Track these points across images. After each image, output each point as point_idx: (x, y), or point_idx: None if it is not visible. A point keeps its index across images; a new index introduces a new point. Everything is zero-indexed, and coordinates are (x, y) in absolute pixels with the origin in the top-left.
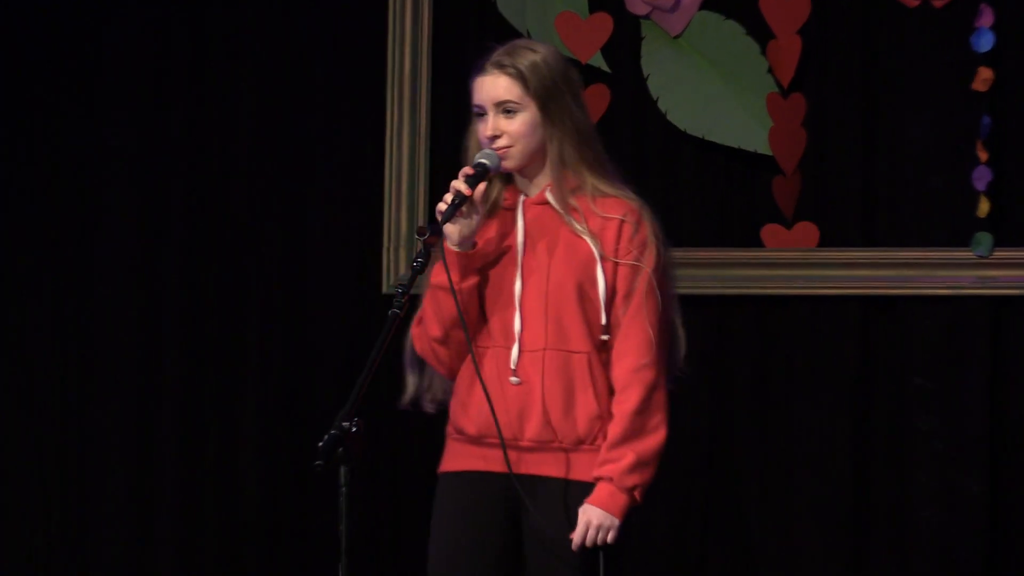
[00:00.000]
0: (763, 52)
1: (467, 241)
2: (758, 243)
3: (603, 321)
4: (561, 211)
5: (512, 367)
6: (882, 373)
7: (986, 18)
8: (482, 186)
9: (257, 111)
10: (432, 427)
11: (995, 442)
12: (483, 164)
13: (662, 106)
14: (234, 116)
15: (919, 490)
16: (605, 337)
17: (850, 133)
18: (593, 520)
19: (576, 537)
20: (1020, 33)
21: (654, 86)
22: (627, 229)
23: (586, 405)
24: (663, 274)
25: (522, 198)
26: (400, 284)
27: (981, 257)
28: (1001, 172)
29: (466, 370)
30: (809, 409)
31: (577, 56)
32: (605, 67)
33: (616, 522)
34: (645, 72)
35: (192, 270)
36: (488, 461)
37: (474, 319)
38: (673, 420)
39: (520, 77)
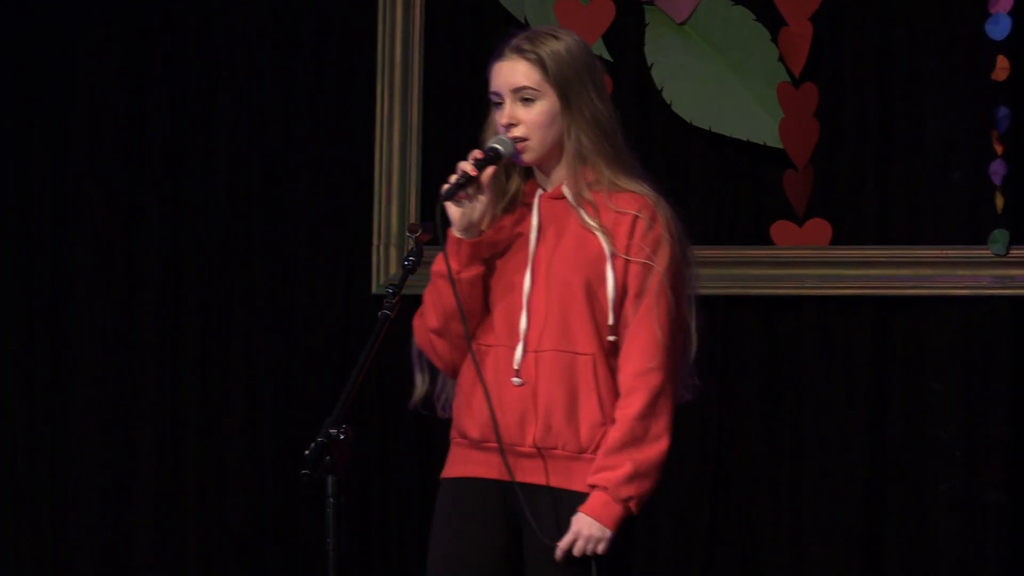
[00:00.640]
0: (774, 39)
1: (473, 228)
2: (768, 241)
3: (611, 321)
4: (574, 205)
5: (515, 367)
6: (898, 378)
7: (1004, 3)
8: (490, 170)
9: (240, 103)
10: (426, 434)
11: (1017, 450)
12: (495, 148)
13: (667, 96)
14: (216, 108)
15: (937, 500)
16: (612, 338)
17: (865, 125)
18: (584, 530)
19: (562, 545)
20: None
21: (658, 75)
22: (641, 225)
23: (589, 412)
24: (677, 274)
25: (539, 192)
26: (391, 284)
27: (999, 255)
28: (1019, 166)
29: (468, 370)
30: (821, 416)
31: None
32: (607, 55)
33: (608, 533)
34: (649, 60)
35: (172, 269)
36: (489, 467)
37: (477, 314)
38: (677, 428)
39: (540, 63)
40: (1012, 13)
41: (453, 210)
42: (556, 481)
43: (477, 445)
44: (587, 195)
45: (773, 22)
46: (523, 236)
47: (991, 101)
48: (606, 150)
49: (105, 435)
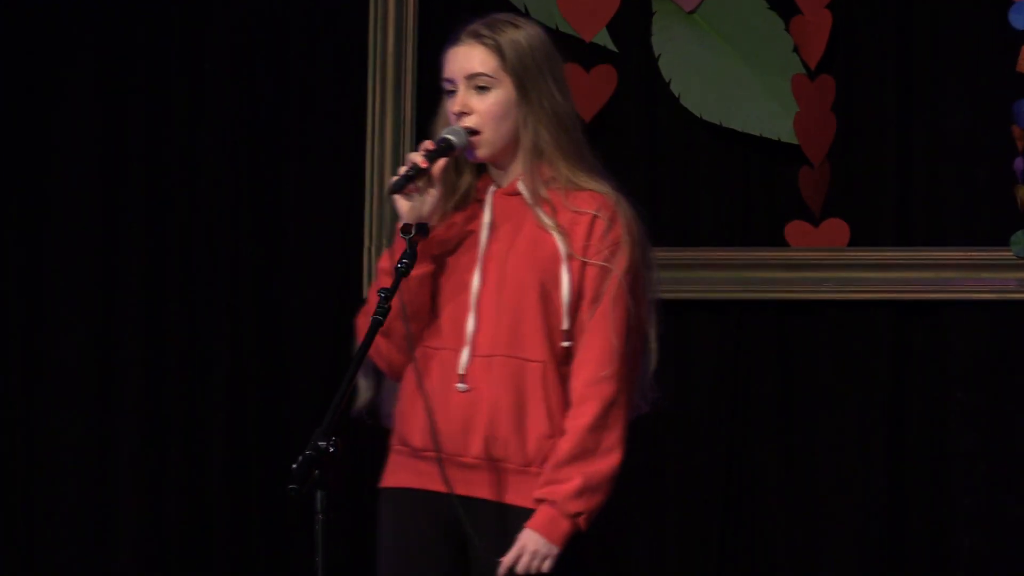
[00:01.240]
0: (788, 29)
1: (421, 222)
2: (782, 242)
3: (564, 326)
4: (531, 202)
5: (460, 372)
6: (919, 386)
7: None
8: (442, 162)
9: (226, 98)
10: None
11: None
12: (447, 140)
13: (675, 89)
14: (201, 104)
15: (961, 515)
16: (566, 344)
17: (884, 119)
18: (529, 546)
19: (506, 561)
20: None
21: (666, 67)
22: (599, 225)
23: (537, 423)
24: (637, 278)
25: (492, 189)
26: (383, 288)
27: (1021, 258)
28: None
29: (412, 374)
30: (838, 426)
31: (580, 34)
32: (611, 46)
33: (554, 550)
34: (656, 51)
35: (155, 270)
36: (432, 478)
37: (425, 315)
38: (680, 438)
39: (498, 50)
40: None
41: (402, 203)
42: (501, 495)
43: (418, 454)
44: (544, 192)
45: (788, 10)
46: (475, 234)
47: (1017, 94)
48: (565, 145)
49: (85, 442)
